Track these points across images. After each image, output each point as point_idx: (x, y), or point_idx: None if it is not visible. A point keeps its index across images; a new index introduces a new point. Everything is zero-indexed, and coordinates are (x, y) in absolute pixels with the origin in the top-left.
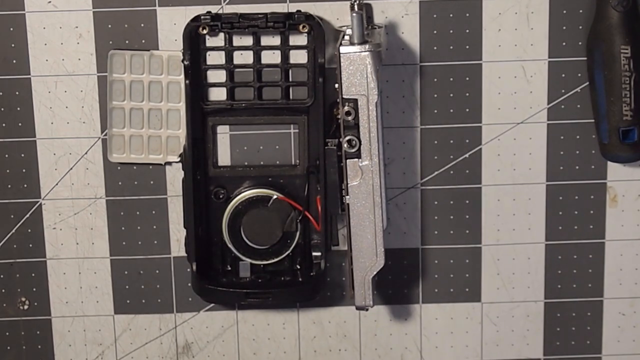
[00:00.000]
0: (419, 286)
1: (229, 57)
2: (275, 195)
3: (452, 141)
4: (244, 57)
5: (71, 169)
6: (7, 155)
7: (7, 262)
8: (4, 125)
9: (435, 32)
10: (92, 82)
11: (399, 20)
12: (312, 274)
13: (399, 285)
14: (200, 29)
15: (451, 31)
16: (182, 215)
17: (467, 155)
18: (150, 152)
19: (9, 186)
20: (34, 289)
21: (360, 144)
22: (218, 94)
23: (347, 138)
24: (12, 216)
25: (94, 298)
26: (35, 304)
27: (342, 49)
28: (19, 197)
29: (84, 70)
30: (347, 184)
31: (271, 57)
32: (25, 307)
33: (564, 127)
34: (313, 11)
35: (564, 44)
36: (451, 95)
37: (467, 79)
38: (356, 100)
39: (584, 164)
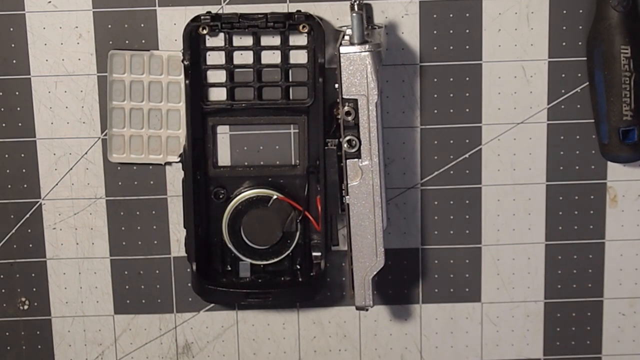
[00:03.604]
0: (419, 286)
1: (229, 57)
2: (275, 195)
3: (452, 141)
4: (244, 57)
5: (71, 169)
6: (7, 155)
7: (7, 262)
8: (4, 125)
9: (435, 32)
10: (92, 82)
11: (399, 20)
12: (312, 274)
13: (399, 285)
14: (200, 29)
15: (451, 31)
16: (182, 215)
17: (467, 155)
18: (150, 152)
19: (9, 186)
20: (34, 289)
21: (360, 144)
22: (218, 94)
23: (347, 138)
24: (12, 216)
25: (94, 298)
26: (35, 304)
27: (342, 49)
28: (19, 197)
29: (84, 70)
30: (347, 184)
31: (271, 57)
32: (25, 307)
33: (564, 127)
34: (313, 11)
35: (564, 44)
36: (451, 95)
37: (467, 79)
38: (356, 100)
39: (584, 164)
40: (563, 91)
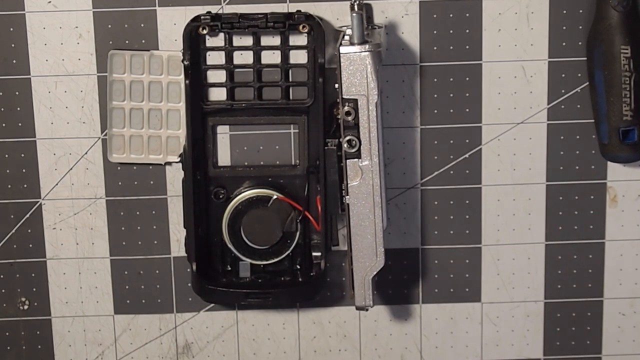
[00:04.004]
0: (419, 286)
1: (229, 57)
2: (275, 195)
3: (452, 141)
4: (244, 57)
5: (71, 169)
6: (7, 155)
7: (7, 262)
8: (4, 125)
9: (435, 32)
10: (92, 82)
11: (399, 20)
12: (312, 274)
13: (399, 285)
14: (200, 29)
15: (451, 31)
16: (182, 215)
17: (467, 155)
18: (150, 152)
19: (9, 186)
20: (34, 289)
21: (360, 144)
22: (218, 94)
23: (347, 138)
24: (12, 216)
25: (94, 298)
26: (35, 304)
27: (342, 49)
28: (19, 197)
29: (84, 70)
30: (347, 184)
31: (271, 57)
32: (25, 307)
33: (564, 127)
34: (313, 11)
35: (564, 44)
36: (451, 95)
37: (467, 79)
38: (356, 100)
39: (584, 164)
40: (563, 91)
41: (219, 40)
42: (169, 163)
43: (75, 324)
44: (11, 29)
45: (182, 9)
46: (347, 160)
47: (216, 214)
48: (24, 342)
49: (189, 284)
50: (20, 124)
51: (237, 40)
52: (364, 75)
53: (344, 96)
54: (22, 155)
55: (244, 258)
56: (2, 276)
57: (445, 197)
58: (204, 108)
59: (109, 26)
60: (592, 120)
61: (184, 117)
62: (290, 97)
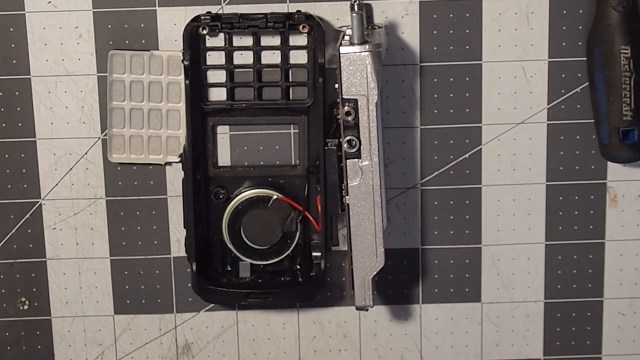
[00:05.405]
0: (419, 286)
1: (229, 57)
2: (275, 195)
3: (452, 141)
4: (244, 57)
5: (71, 169)
6: (7, 155)
7: (7, 262)
8: (4, 125)
9: (435, 32)
10: (92, 82)
11: (399, 20)
12: (312, 274)
13: (399, 285)
14: (200, 29)
15: (451, 31)
16: (182, 215)
17: (467, 155)
18: (150, 152)
19: (9, 186)
20: (34, 289)
21: (360, 144)
22: (218, 94)
23: (347, 138)
24: (12, 216)
25: (94, 298)
26: (35, 304)
27: (342, 49)
28: (19, 197)
29: (84, 70)
30: (347, 184)
31: (271, 57)
32: (25, 307)
33: (564, 127)
34: (313, 11)
35: (564, 44)
36: (451, 95)
37: (467, 79)
38: (356, 100)
39: (584, 164)
40: (563, 91)
41: (219, 40)
42: (169, 163)
43: (75, 324)
44: (11, 29)
45: (182, 9)
46: (347, 160)
47: (216, 214)
48: (24, 342)
49: (189, 284)
50: (20, 124)
51: (237, 40)
52: (364, 75)
53: (344, 96)
54: (22, 155)
55: (244, 258)
56: (2, 276)
57: (445, 197)
58: (204, 108)
59: (109, 26)
60: (592, 120)
61: (184, 117)
62: (290, 97)
